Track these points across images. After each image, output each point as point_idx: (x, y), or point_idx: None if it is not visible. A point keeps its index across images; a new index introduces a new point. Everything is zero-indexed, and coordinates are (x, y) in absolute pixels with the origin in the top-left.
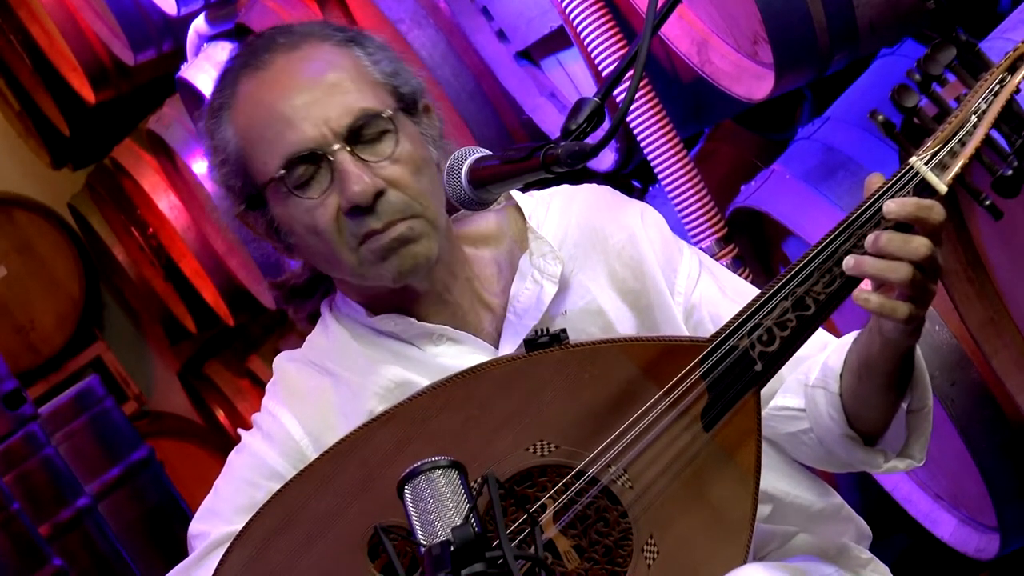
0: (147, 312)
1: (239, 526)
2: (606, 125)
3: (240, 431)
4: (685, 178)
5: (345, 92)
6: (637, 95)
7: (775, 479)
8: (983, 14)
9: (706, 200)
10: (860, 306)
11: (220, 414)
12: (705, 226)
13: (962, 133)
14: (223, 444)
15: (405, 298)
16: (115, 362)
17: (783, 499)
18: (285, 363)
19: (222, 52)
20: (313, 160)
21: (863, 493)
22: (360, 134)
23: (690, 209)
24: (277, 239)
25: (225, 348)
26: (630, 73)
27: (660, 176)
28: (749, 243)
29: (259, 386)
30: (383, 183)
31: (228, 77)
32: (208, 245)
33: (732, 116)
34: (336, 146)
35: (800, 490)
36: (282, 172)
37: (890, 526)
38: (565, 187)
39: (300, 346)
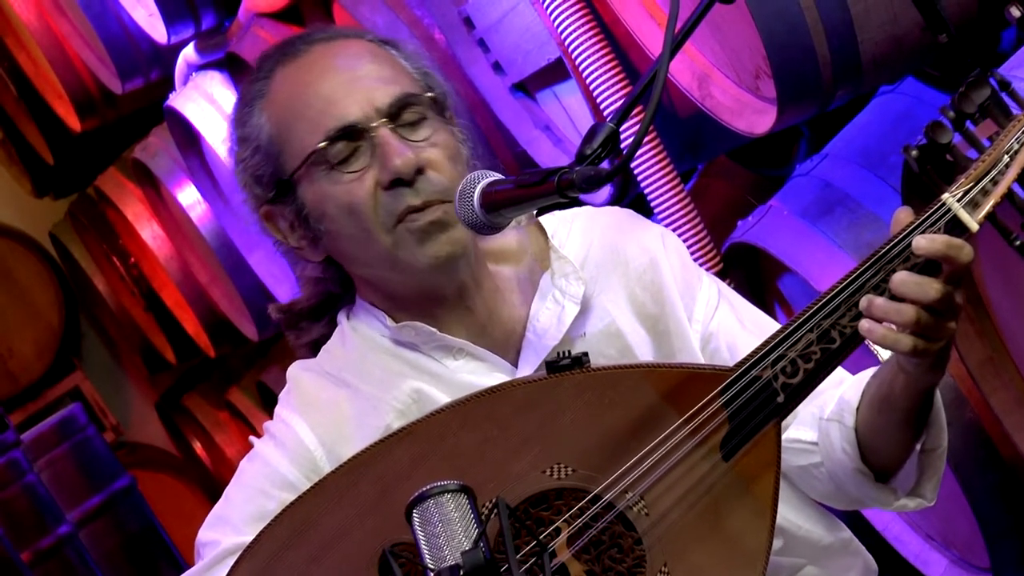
0: (126, 342)
1: (249, 536)
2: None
3: (252, 439)
4: (681, 212)
5: (384, 78)
6: (635, 129)
7: (786, 511)
8: (985, 52)
9: (702, 235)
10: (865, 336)
11: (197, 446)
12: (701, 261)
13: (994, 172)
14: (200, 476)
15: (429, 301)
16: (93, 392)
17: (795, 532)
18: (300, 372)
19: (211, 82)
20: (354, 136)
21: (853, 532)
22: (400, 115)
23: (686, 244)
24: (305, 229)
25: (204, 380)
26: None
27: (656, 210)
28: (744, 279)
29: (238, 418)
30: (423, 161)
31: (262, 70)
32: (191, 275)
33: (728, 152)
34: (377, 123)
35: (811, 524)
36: (323, 145)
37: (880, 566)
38: (588, 208)
39: (281, 379)
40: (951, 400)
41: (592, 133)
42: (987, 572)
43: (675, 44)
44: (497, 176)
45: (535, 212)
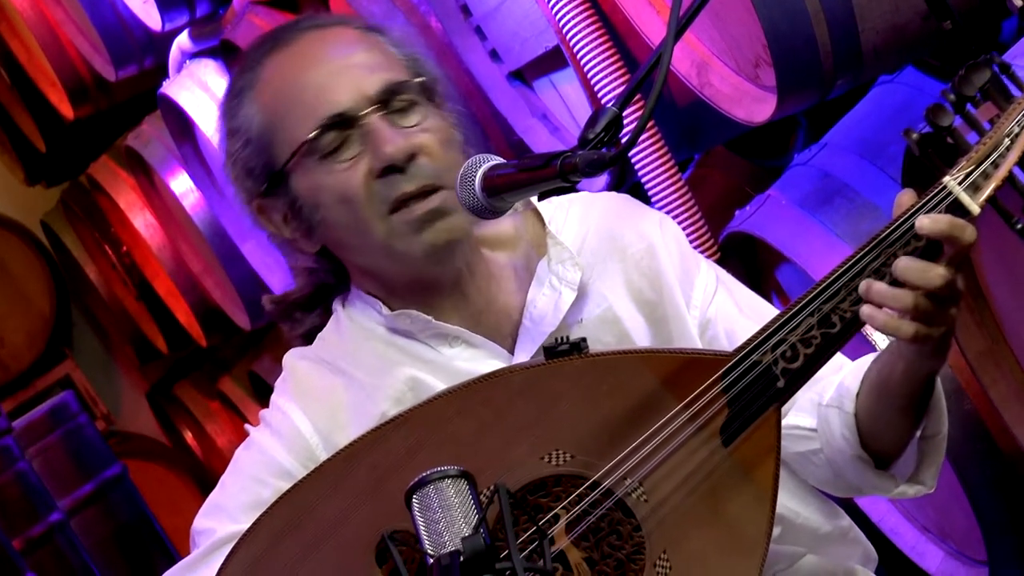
0: (117, 332)
1: (245, 524)
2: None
3: (248, 427)
4: (678, 202)
5: (373, 66)
6: (634, 117)
7: (786, 498)
8: (987, 41)
9: (699, 224)
10: (866, 322)
11: (188, 435)
12: (698, 250)
13: (995, 155)
14: (191, 466)
15: (425, 289)
16: (84, 381)
17: (793, 520)
18: (296, 360)
19: (205, 69)
20: (345, 125)
21: None
22: (390, 102)
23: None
24: (299, 221)
25: (196, 369)
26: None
27: (653, 199)
28: (742, 269)
29: (230, 408)
30: (415, 146)
31: (250, 60)
32: (183, 264)
33: (725, 142)
34: (368, 110)
35: (810, 511)
36: (313, 135)
37: None
38: (584, 193)
39: (273, 369)
40: (950, 391)
41: (595, 117)
42: (983, 565)
43: (679, 28)
44: (498, 160)
45: (536, 197)
